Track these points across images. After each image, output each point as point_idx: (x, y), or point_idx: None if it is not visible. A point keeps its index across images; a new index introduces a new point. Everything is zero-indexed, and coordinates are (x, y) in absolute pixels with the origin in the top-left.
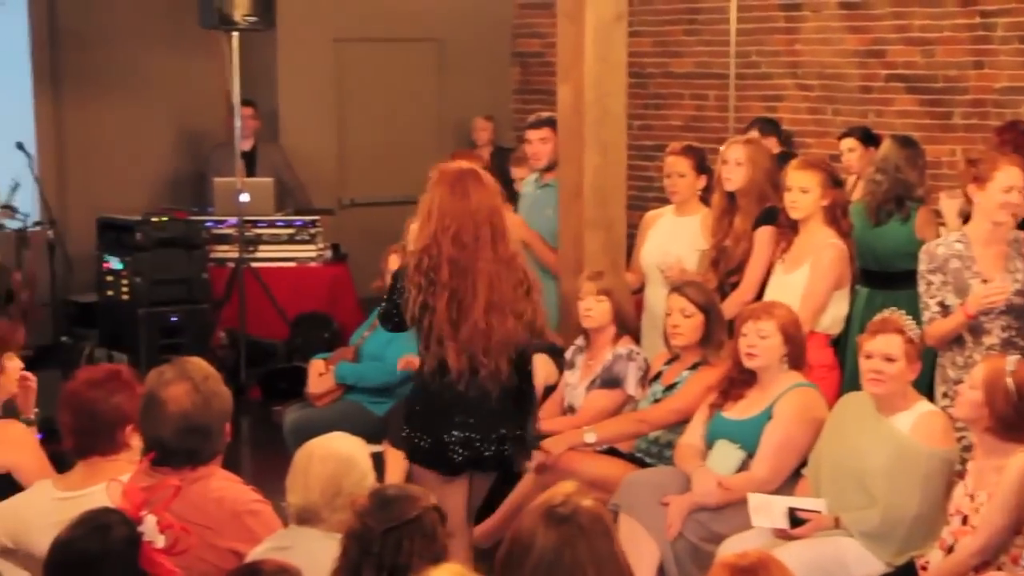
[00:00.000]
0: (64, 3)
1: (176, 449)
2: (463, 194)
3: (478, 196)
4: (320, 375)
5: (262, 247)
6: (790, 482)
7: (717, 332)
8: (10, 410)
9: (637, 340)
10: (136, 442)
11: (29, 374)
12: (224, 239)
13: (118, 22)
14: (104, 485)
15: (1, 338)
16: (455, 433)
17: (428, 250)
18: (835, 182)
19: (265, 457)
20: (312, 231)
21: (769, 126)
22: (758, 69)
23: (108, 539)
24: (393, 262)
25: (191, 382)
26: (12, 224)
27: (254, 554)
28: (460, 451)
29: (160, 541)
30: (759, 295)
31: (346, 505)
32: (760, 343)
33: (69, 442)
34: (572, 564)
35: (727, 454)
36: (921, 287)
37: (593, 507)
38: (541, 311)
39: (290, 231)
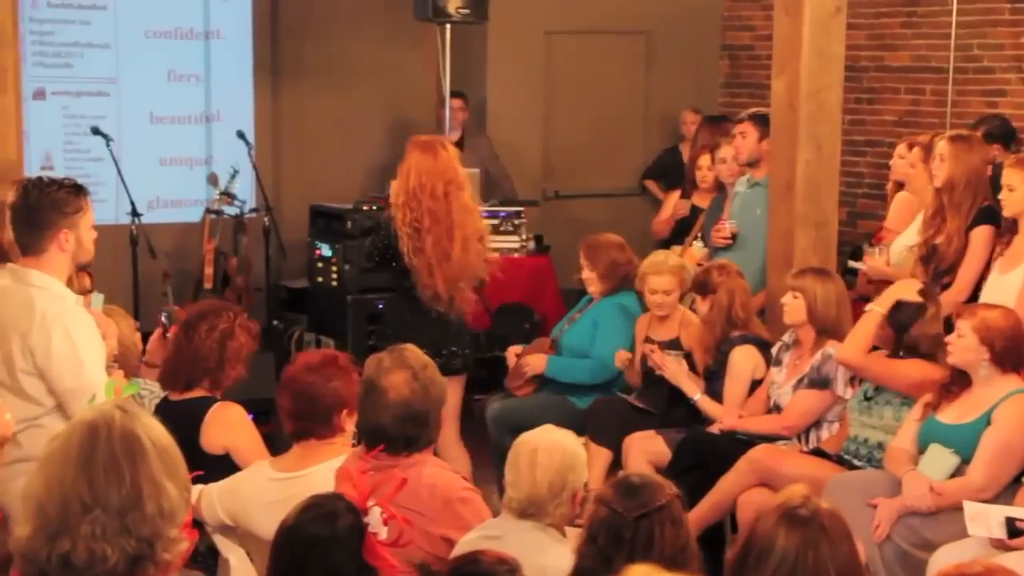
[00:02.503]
0: None
1: (395, 436)
2: (433, 156)
3: (444, 157)
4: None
5: None
6: (1009, 490)
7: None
8: (230, 393)
9: None
10: (350, 426)
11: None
12: None
13: (336, 14)
14: (318, 466)
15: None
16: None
17: (410, 203)
18: None
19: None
20: (516, 222)
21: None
22: (980, 63)
23: (335, 526)
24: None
25: (410, 371)
26: (230, 210)
27: (464, 541)
28: None
29: (383, 533)
30: (974, 297)
31: (568, 499)
32: (955, 341)
33: (288, 426)
34: (816, 565)
35: (941, 459)
36: None
37: (833, 509)
38: (489, 255)
39: (495, 222)
